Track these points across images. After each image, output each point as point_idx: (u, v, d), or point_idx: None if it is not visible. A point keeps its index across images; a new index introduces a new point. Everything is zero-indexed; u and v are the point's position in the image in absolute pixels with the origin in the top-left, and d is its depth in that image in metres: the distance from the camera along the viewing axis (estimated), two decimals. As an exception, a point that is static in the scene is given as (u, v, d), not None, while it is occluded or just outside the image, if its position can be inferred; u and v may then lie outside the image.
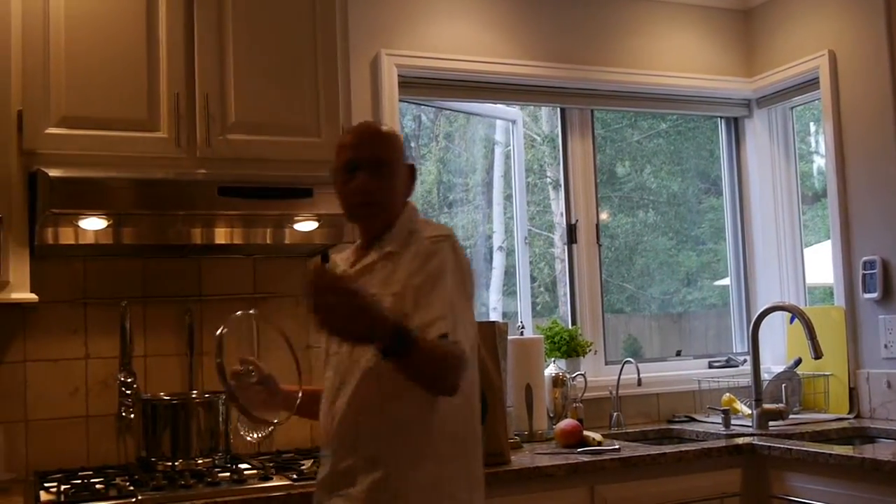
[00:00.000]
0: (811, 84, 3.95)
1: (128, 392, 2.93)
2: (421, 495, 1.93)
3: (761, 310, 3.62)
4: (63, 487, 2.49)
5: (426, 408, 1.94)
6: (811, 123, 4.43)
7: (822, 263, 4.15)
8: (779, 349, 4.12)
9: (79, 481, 2.57)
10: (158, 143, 2.74)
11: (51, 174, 2.50)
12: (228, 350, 2.25)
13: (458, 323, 1.90)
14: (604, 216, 4.18)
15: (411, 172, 2.16)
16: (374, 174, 2.06)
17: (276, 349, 2.37)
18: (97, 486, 2.51)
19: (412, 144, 4.34)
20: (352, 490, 1.95)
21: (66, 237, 2.73)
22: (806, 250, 4.25)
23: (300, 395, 2.25)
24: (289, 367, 2.31)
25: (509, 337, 3.30)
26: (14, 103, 2.60)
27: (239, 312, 2.30)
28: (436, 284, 1.92)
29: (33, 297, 2.62)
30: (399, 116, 3.51)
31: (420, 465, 1.94)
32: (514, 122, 4.03)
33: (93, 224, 2.65)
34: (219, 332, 2.25)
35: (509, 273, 4.09)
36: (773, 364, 4.05)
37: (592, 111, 4.08)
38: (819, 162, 4.43)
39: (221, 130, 2.80)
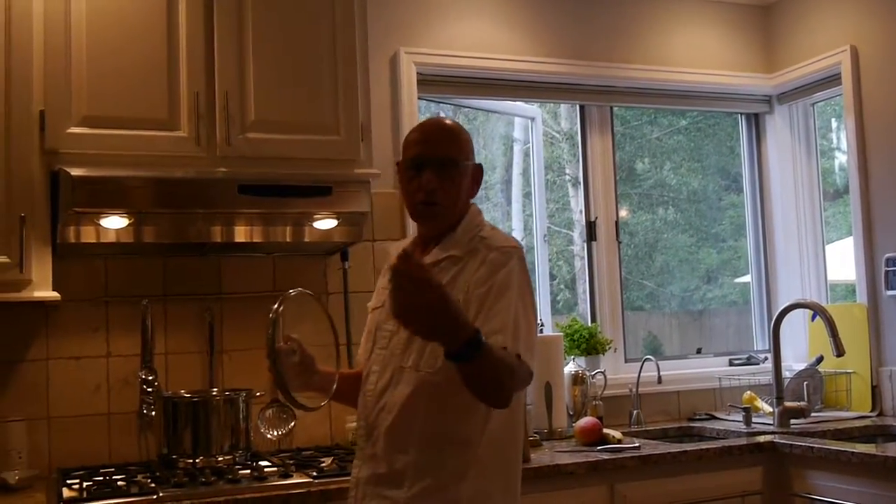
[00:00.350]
0: (833, 80, 3.92)
1: (149, 390, 2.95)
2: None
3: (783, 307, 3.60)
4: (85, 484, 2.51)
5: (481, 420, 1.92)
6: (832, 119, 4.40)
7: (843, 260, 4.12)
8: (800, 347, 4.09)
9: (101, 478, 2.59)
10: (179, 142, 2.76)
11: (73, 173, 2.52)
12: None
13: (519, 338, 1.87)
14: (623, 213, 4.16)
15: (478, 172, 2.13)
16: (441, 173, 2.01)
17: (320, 332, 2.31)
18: (119, 483, 2.53)
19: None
20: (398, 493, 1.92)
21: (88, 236, 2.75)
22: (827, 247, 4.22)
23: (336, 378, 2.19)
24: (327, 351, 2.28)
25: (529, 335, 3.29)
26: (36, 103, 2.63)
27: (293, 291, 2.26)
28: (501, 296, 1.90)
29: (55, 295, 2.64)
30: (418, 114, 3.51)
31: (467, 477, 1.91)
32: (532, 119, 4.02)
33: (114, 223, 2.67)
34: (275, 307, 2.19)
35: (529, 271, 4.08)
36: (794, 362, 4.02)
37: (612, 108, 4.07)
38: (841, 158, 4.39)
39: (241, 129, 2.81)
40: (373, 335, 2.11)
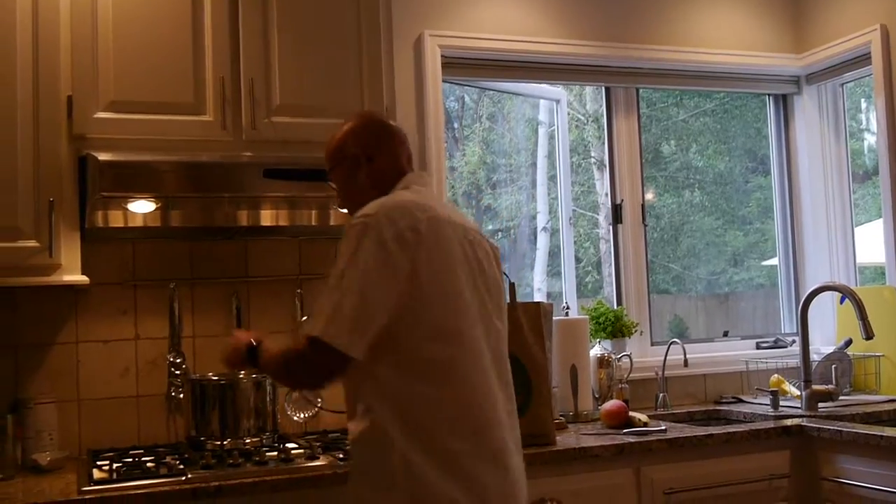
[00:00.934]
0: (862, 59, 3.87)
1: (177, 372, 2.98)
2: None
3: (811, 289, 3.57)
4: (115, 465, 2.53)
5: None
6: (862, 100, 4.35)
7: (873, 243, 4.08)
8: (828, 330, 4.06)
9: (130, 459, 2.62)
10: (205, 126, 2.77)
11: (100, 158, 2.54)
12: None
13: (321, 315, 1.96)
14: (649, 196, 4.14)
15: (354, 162, 2.21)
16: (335, 183, 2.28)
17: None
18: (148, 464, 2.55)
19: (455, 125, 4.34)
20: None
21: (116, 220, 2.77)
22: (857, 229, 4.18)
23: None
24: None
25: (554, 318, 3.29)
26: (63, 89, 2.65)
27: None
28: (331, 277, 1.99)
29: (84, 279, 2.67)
30: (442, 97, 3.50)
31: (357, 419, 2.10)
32: (558, 101, 4.00)
33: (142, 207, 2.69)
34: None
35: (554, 254, 4.08)
36: (822, 345, 3.99)
37: (637, 90, 4.04)
38: (870, 139, 4.35)
39: (266, 113, 2.82)
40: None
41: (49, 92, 2.62)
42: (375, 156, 2.21)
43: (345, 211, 2.28)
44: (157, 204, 2.70)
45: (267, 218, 2.92)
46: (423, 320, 1.98)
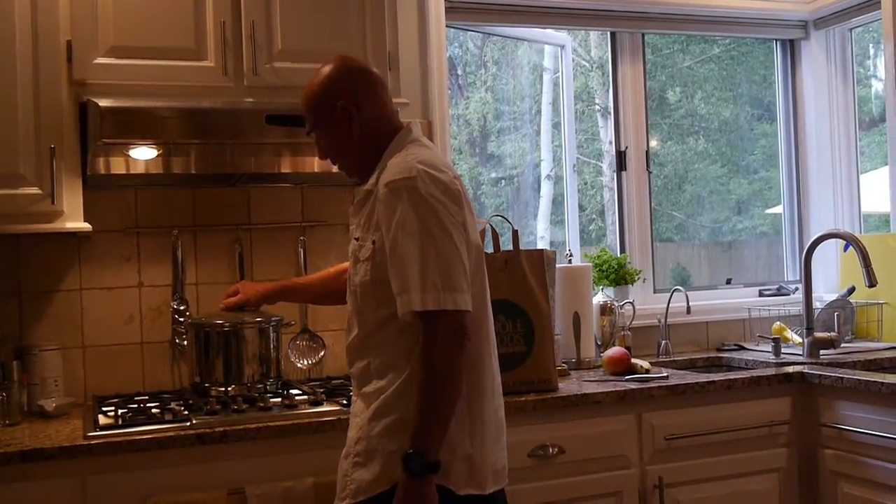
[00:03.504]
0: (872, 4, 3.81)
1: (181, 319, 2.99)
2: None
3: (815, 236, 3.56)
4: (120, 411, 2.56)
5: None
6: (870, 46, 4.29)
7: (878, 190, 4.06)
8: (831, 278, 4.06)
9: (135, 405, 2.64)
10: (206, 72, 2.74)
11: (101, 104, 2.52)
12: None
13: (428, 288, 1.86)
14: (653, 143, 4.11)
15: (344, 113, 2.08)
16: (316, 135, 2.14)
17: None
18: (153, 410, 2.57)
19: (458, 72, 4.30)
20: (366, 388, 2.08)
21: (118, 167, 2.76)
22: (862, 177, 4.16)
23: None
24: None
25: (557, 265, 3.29)
26: (63, 34, 2.61)
27: None
28: (398, 248, 1.91)
29: (87, 226, 2.66)
30: (445, 43, 3.46)
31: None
32: (562, 47, 3.96)
33: (143, 153, 2.68)
34: None
35: (557, 202, 4.06)
36: (825, 293, 3.99)
37: (643, 35, 3.99)
38: (877, 86, 4.30)
39: (268, 58, 2.79)
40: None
41: (48, 37, 2.59)
42: (364, 105, 2.09)
43: (335, 168, 2.21)
44: (158, 150, 2.68)
45: (269, 165, 2.91)
46: (472, 273, 1.98)
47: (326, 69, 2.13)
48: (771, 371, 3.15)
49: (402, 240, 1.90)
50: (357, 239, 2.10)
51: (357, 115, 2.08)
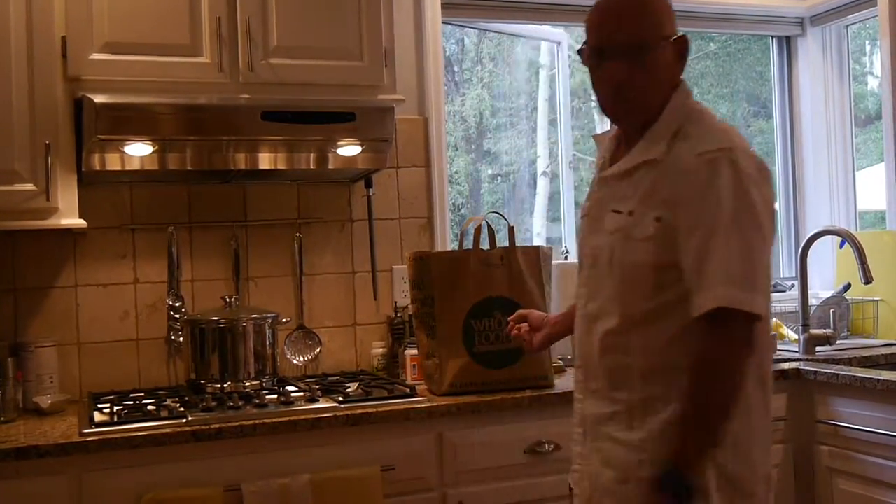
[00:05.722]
0: (868, 1, 3.81)
1: (176, 316, 2.99)
2: None
3: (811, 234, 3.56)
4: (116, 408, 2.55)
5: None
6: (867, 42, 4.29)
7: (874, 188, 4.06)
8: (827, 275, 4.06)
9: (131, 402, 2.64)
10: (201, 68, 2.73)
11: (96, 100, 2.51)
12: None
13: (735, 283, 1.59)
14: (650, 140, 4.10)
15: (679, 47, 1.81)
16: (625, 61, 1.74)
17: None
18: (149, 406, 2.57)
19: (454, 69, 4.29)
20: (630, 435, 1.77)
21: (113, 163, 2.74)
22: (858, 174, 4.16)
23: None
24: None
25: (554, 262, 3.28)
26: (57, 30, 2.60)
27: None
28: (713, 234, 1.62)
29: (82, 222, 2.66)
30: (441, 39, 3.46)
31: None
32: (559, 43, 3.95)
33: (139, 150, 2.67)
34: None
35: (554, 198, 4.06)
36: (821, 289, 4.00)
37: (639, 32, 3.97)
38: (873, 83, 4.30)
39: (264, 55, 2.78)
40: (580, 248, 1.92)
41: (43, 32, 2.58)
42: (685, 51, 1.81)
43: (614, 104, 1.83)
44: (154, 147, 2.67)
45: (265, 161, 2.89)
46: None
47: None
48: (767, 368, 3.15)
49: (715, 225, 1.62)
50: (618, 212, 1.78)
51: (678, 56, 1.83)
